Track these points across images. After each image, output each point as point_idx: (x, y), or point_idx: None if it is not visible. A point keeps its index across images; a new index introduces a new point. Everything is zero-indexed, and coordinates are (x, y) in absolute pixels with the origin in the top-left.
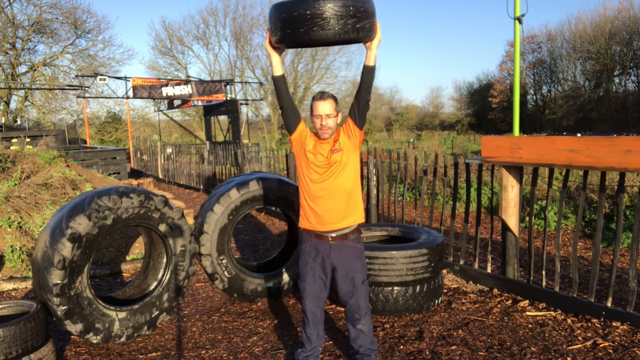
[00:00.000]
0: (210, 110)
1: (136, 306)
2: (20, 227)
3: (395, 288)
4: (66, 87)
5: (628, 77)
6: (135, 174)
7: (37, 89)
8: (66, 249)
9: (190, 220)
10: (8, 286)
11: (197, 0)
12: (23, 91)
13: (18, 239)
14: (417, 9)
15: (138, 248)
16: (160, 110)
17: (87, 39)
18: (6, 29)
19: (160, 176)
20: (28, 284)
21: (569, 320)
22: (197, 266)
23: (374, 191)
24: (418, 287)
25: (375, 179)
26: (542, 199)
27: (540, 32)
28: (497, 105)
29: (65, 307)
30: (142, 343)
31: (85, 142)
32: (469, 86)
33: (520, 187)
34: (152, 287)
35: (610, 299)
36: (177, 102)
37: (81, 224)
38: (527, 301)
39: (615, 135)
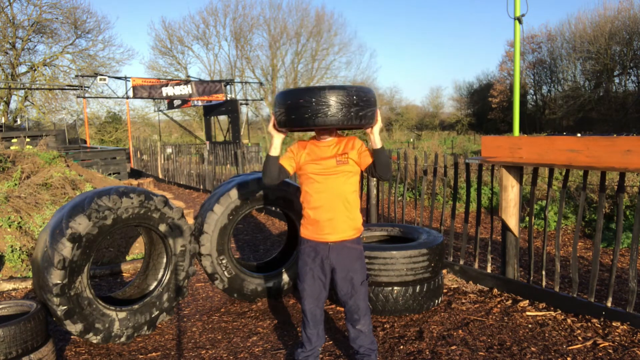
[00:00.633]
0: (210, 110)
1: (136, 306)
2: (20, 227)
3: (395, 288)
4: (66, 87)
5: (628, 77)
6: (135, 174)
7: (37, 89)
8: (66, 249)
9: (190, 220)
10: (8, 286)
11: (197, 0)
12: (23, 91)
13: (18, 239)
14: (417, 9)
15: (138, 248)
16: (160, 110)
17: (87, 39)
18: (6, 29)
19: (160, 176)
20: (28, 284)
21: (569, 320)
22: (197, 266)
23: (374, 191)
24: (418, 287)
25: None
26: (542, 199)
27: (540, 32)
28: (497, 105)
29: (65, 307)
30: (142, 343)
31: (85, 142)
32: (469, 86)
33: (520, 187)
34: (152, 287)
35: (610, 299)
36: (177, 102)
37: (81, 224)
38: (527, 301)
39: (615, 135)
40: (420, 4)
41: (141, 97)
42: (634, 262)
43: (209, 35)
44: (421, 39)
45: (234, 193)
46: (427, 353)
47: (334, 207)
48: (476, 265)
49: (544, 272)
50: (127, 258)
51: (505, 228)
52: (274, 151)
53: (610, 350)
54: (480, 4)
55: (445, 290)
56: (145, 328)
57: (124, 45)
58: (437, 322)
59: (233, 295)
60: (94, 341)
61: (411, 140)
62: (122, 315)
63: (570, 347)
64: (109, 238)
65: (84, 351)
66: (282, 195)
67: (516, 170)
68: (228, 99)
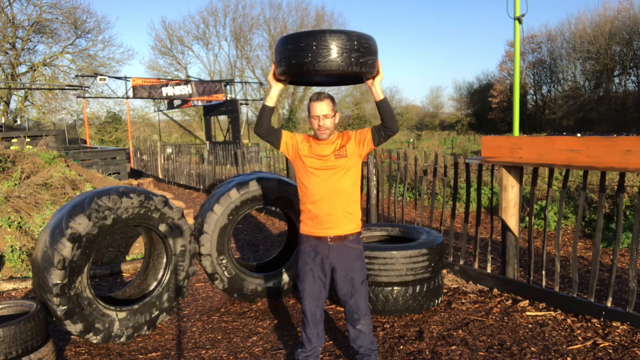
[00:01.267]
0: (210, 110)
1: (136, 306)
2: (20, 227)
3: (395, 288)
4: (66, 87)
5: (628, 77)
6: (135, 174)
7: (37, 89)
8: (66, 249)
9: (190, 220)
10: (8, 286)
11: (197, 0)
12: (23, 91)
13: (18, 239)
14: (417, 9)
15: (138, 248)
16: (160, 110)
17: (87, 39)
18: (6, 29)
19: (160, 176)
20: (28, 284)
21: (569, 320)
22: (197, 266)
23: (374, 191)
24: (418, 287)
25: (375, 179)
26: (542, 199)
27: (540, 32)
28: (497, 105)
29: (65, 307)
30: (142, 343)
31: (85, 142)
32: (469, 86)
33: (520, 187)
34: (152, 287)
35: (610, 299)
36: (177, 102)
37: (81, 224)
38: (527, 301)
39: (615, 135)
40: (420, 4)
41: (141, 97)
42: (633, 262)
43: (209, 35)
44: (421, 39)
45: (234, 193)
46: (427, 353)
47: (333, 201)
48: (476, 265)
49: (544, 272)
50: (127, 258)
51: (505, 228)
52: (270, 101)
53: (610, 350)
54: (480, 4)
55: (445, 290)
56: (145, 328)
57: (124, 45)
58: (437, 322)
59: (233, 295)
60: (94, 341)
61: (411, 140)
62: (122, 315)
63: (570, 347)
64: (109, 238)
65: (83, 351)
66: (282, 195)
67: (516, 170)
68: (228, 99)
